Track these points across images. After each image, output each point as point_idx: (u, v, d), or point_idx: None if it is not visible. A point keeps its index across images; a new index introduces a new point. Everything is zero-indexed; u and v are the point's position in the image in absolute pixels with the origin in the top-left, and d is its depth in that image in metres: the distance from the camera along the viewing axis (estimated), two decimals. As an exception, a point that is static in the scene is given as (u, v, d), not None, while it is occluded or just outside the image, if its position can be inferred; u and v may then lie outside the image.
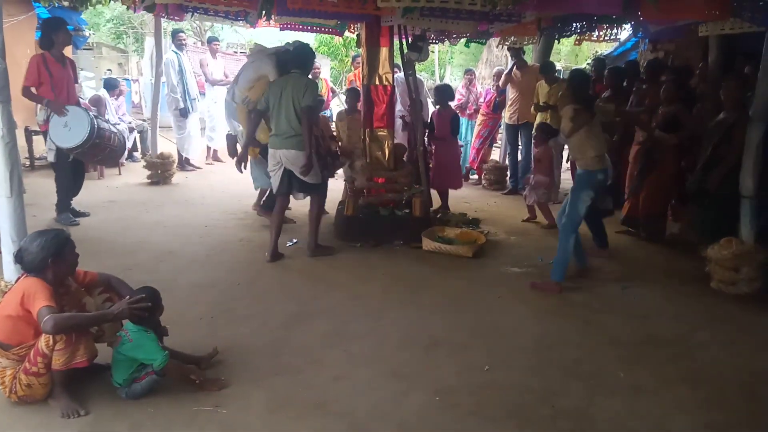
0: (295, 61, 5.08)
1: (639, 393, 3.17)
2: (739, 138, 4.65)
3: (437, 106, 6.97)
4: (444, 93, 6.97)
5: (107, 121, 6.14)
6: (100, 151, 5.83)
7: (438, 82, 20.36)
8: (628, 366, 3.45)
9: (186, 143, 9.14)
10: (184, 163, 9.23)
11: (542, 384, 3.23)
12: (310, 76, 5.27)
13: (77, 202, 6.30)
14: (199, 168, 9.47)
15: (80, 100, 6.58)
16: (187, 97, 8.84)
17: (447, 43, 7.87)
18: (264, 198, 6.26)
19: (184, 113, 8.85)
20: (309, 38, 18.12)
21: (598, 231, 5.48)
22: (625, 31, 7.25)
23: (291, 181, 5.08)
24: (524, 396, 3.11)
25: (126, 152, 9.05)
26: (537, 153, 6.71)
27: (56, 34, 5.73)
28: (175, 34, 9.17)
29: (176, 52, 8.79)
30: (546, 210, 6.55)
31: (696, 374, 3.38)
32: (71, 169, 6.10)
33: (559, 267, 4.62)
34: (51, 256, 2.87)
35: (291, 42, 5.73)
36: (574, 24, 5.84)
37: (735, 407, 3.06)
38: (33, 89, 5.62)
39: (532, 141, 7.12)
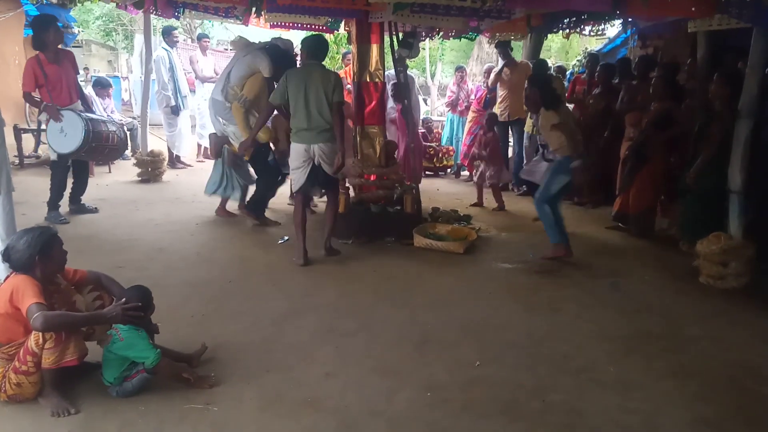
0: (310, 52, 4.93)
1: (629, 387, 3.19)
2: (715, 134, 4.70)
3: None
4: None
5: (105, 120, 6.06)
6: (99, 153, 5.85)
7: (429, 79, 20.36)
8: (618, 360, 3.47)
9: (177, 140, 9.11)
10: (175, 161, 9.19)
11: (533, 379, 3.24)
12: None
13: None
14: (189, 165, 9.44)
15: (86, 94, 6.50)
16: (178, 95, 8.80)
17: (438, 39, 7.87)
18: (247, 200, 6.19)
19: (175, 111, 8.81)
20: (299, 35, 18.09)
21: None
22: (615, 27, 7.28)
23: (316, 177, 4.94)
24: (515, 391, 3.12)
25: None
26: (485, 140, 7.16)
27: (46, 33, 5.62)
28: (167, 31, 9.12)
29: (167, 50, 8.75)
30: (497, 193, 7.01)
31: (685, 368, 3.40)
32: (76, 168, 6.17)
33: (550, 230, 5.13)
34: (38, 254, 2.85)
35: (277, 38, 5.75)
36: (564, 20, 5.86)
37: (724, 401, 3.08)
38: (34, 94, 5.64)
39: (485, 129, 7.39)
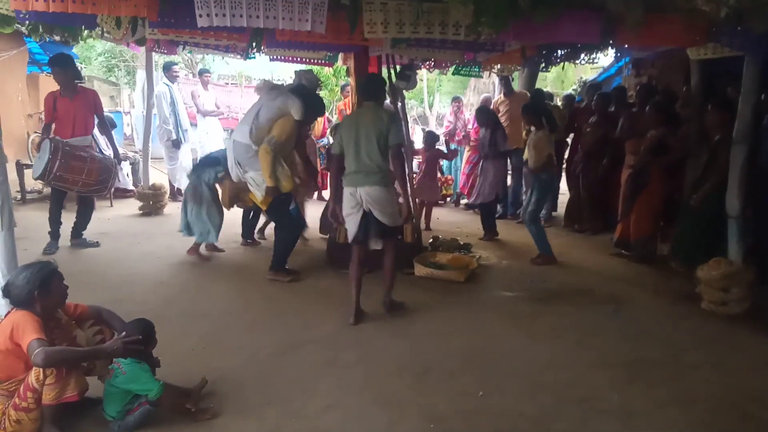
0: (365, 94, 4.69)
1: (632, 415, 3.16)
2: (722, 160, 4.74)
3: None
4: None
5: (89, 157, 6.00)
6: (71, 183, 5.86)
7: (427, 110, 20.55)
8: (621, 388, 3.45)
9: (178, 174, 9.16)
10: (176, 194, 9.24)
11: (536, 408, 3.22)
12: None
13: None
14: None
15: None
16: (179, 129, 8.90)
17: (435, 71, 8.01)
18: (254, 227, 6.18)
19: (176, 144, 8.89)
20: (299, 67, 18.34)
21: (492, 222, 7.14)
22: (609, 57, 7.39)
23: (369, 225, 4.50)
24: (518, 421, 3.10)
25: (120, 181, 9.13)
26: (425, 157, 7.52)
27: (52, 73, 6.12)
28: (167, 66, 9.26)
29: (168, 85, 8.87)
30: (429, 212, 7.42)
31: (688, 395, 3.38)
32: (80, 203, 6.36)
33: (540, 243, 6.04)
34: (37, 289, 2.86)
35: (300, 71, 5.70)
36: (558, 51, 5.96)
37: (728, 427, 3.07)
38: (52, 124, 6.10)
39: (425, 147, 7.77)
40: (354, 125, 4.47)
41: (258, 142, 5.04)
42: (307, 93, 5.20)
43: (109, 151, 6.63)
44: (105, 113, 6.71)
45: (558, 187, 8.54)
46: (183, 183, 9.21)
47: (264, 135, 5.03)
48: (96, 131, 7.68)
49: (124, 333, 2.99)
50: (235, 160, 5.23)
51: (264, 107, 5.12)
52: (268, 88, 5.33)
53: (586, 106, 8.08)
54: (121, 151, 9.81)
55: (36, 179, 6.10)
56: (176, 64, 9.86)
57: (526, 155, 7.38)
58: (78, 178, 5.87)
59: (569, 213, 7.83)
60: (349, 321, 4.43)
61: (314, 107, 5.31)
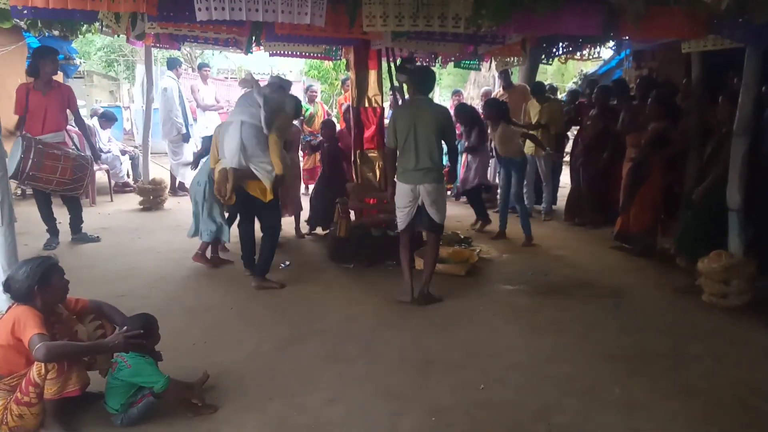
0: (418, 86, 4.67)
1: (634, 407, 3.17)
2: (727, 153, 4.73)
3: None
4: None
5: (65, 155, 5.88)
6: (45, 182, 5.74)
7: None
8: (622, 380, 3.46)
9: (182, 168, 9.19)
10: (178, 189, 9.25)
11: (537, 401, 3.23)
12: (307, 102, 5.03)
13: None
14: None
15: (69, 127, 6.58)
16: (186, 123, 8.95)
17: (437, 64, 7.97)
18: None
19: (186, 138, 8.93)
20: (299, 61, 18.31)
21: (481, 208, 7.40)
22: (609, 50, 7.38)
23: (419, 218, 4.65)
24: (519, 414, 3.11)
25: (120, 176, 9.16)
26: (323, 150, 7.13)
27: (41, 62, 5.87)
28: (174, 64, 9.26)
29: (174, 79, 8.91)
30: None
31: (690, 387, 3.39)
32: (65, 201, 6.23)
33: (524, 222, 6.61)
34: (37, 284, 2.85)
35: (274, 75, 5.67)
36: (559, 44, 5.94)
37: (729, 419, 3.07)
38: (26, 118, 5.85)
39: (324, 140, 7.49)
40: (411, 120, 4.48)
41: (268, 127, 4.77)
42: (286, 95, 5.15)
43: (107, 146, 6.63)
44: (105, 108, 6.69)
45: (558, 180, 8.55)
46: (187, 178, 9.23)
47: (270, 123, 4.80)
48: (96, 124, 7.68)
49: (125, 327, 3.00)
50: (241, 143, 4.73)
51: (267, 97, 4.84)
52: (256, 83, 5.07)
53: (590, 101, 8.08)
54: (120, 146, 9.89)
55: (9, 179, 5.90)
56: (181, 63, 9.89)
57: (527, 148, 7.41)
58: (52, 177, 5.74)
59: (570, 206, 7.84)
60: (405, 299, 4.64)
61: (297, 108, 5.25)
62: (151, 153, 8.83)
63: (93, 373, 3.05)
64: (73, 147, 6.37)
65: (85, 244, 6.25)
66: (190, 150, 9.15)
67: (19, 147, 5.57)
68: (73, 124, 7.05)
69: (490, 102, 7.18)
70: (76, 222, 6.33)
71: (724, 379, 3.48)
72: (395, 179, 4.76)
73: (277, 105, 4.90)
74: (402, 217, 4.67)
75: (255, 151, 4.77)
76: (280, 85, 5.19)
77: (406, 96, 5.41)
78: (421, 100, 4.62)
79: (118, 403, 2.93)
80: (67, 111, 6.20)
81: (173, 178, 9.22)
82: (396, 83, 6.33)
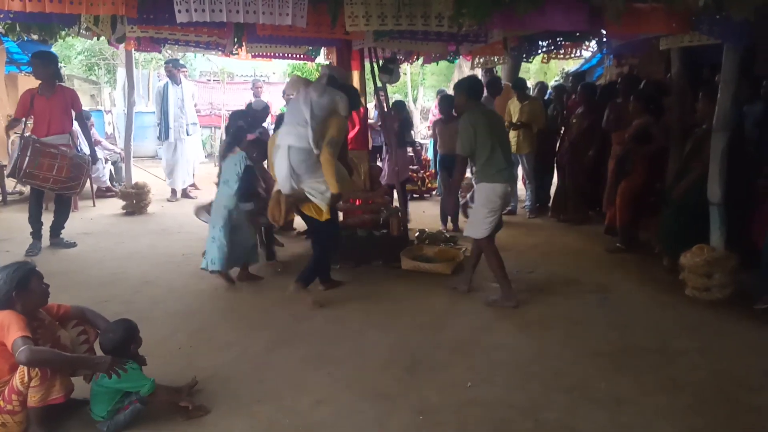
0: (472, 94, 4.75)
1: (621, 403, 3.19)
2: (707, 149, 4.78)
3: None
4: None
5: (60, 154, 5.90)
6: (42, 180, 5.83)
7: (411, 103, 20.55)
8: (609, 376, 3.48)
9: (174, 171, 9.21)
10: (188, 193, 9.33)
11: (525, 398, 3.24)
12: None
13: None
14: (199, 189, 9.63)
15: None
16: (163, 123, 8.99)
17: (418, 64, 7.99)
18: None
19: (161, 137, 9.08)
20: (283, 63, 18.22)
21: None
22: (590, 51, 7.43)
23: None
24: (507, 411, 3.12)
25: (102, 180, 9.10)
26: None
27: (33, 67, 6.11)
28: (175, 64, 9.29)
29: (171, 79, 9.00)
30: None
31: (676, 381, 3.42)
32: (57, 203, 6.30)
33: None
34: (15, 289, 2.81)
35: (326, 66, 5.47)
36: (540, 43, 5.98)
37: (715, 412, 3.10)
38: (24, 120, 6.06)
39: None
40: (488, 124, 4.58)
41: (318, 146, 4.42)
42: (341, 87, 4.74)
43: (88, 148, 6.62)
44: (82, 109, 6.67)
45: (551, 178, 8.54)
46: (177, 183, 9.18)
47: (320, 137, 4.43)
48: (77, 127, 7.63)
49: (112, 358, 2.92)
50: (291, 169, 4.44)
51: (315, 105, 4.42)
52: (304, 85, 4.66)
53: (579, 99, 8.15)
54: (108, 145, 9.88)
55: (8, 177, 6.12)
56: (184, 66, 9.94)
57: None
58: (48, 175, 5.84)
59: (555, 203, 7.89)
60: (511, 304, 4.60)
61: (353, 101, 4.84)
62: (134, 157, 8.75)
63: (77, 379, 3.02)
64: (77, 148, 6.51)
65: (63, 249, 6.18)
66: (173, 152, 9.11)
67: (18, 146, 5.73)
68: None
69: (446, 97, 7.26)
70: (59, 225, 6.29)
71: (710, 373, 3.52)
72: (483, 182, 4.64)
73: (327, 111, 4.46)
74: (493, 220, 4.64)
75: (306, 174, 4.48)
76: (328, 81, 4.65)
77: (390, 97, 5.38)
78: (480, 104, 4.87)
79: (104, 410, 2.90)
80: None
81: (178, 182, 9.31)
82: (379, 84, 6.35)
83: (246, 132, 5.57)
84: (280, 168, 4.50)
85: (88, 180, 8.57)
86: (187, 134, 9.19)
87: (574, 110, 7.69)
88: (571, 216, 7.50)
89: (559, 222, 7.57)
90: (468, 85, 4.82)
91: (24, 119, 6.07)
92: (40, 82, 6.06)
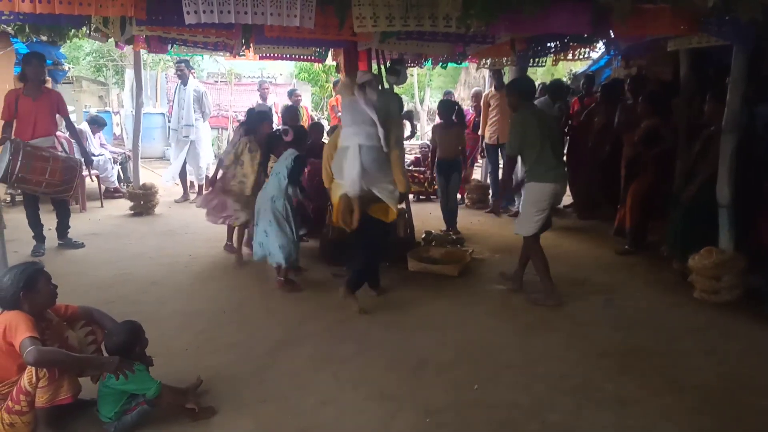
0: (524, 95, 4.83)
1: (626, 404, 3.18)
2: (715, 151, 4.76)
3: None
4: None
5: (54, 157, 5.80)
6: (35, 185, 5.68)
7: (418, 105, 20.56)
8: (615, 378, 3.47)
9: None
10: (202, 190, 9.35)
11: (530, 400, 3.24)
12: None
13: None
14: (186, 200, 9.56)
15: (59, 133, 6.55)
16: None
17: (427, 65, 7.99)
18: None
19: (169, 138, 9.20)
20: (289, 64, 18.28)
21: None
22: (598, 51, 7.42)
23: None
24: (513, 412, 3.11)
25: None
26: None
27: (27, 67, 5.87)
28: (188, 66, 9.35)
29: (180, 80, 9.10)
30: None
31: (681, 383, 3.41)
32: (55, 205, 6.23)
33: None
34: (22, 289, 2.83)
35: (362, 71, 5.36)
36: (548, 44, 5.96)
37: (721, 414, 3.09)
38: (13, 123, 5.79)
39: None
40: (537, 124, 4.63)
41: (388, 144, 4.42)
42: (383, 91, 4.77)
43: (98, 150, 6.61)
44: (95, 113, 6.66)
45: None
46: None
47: (389, 136, 4.42)
48: (87, 128, 7.67)
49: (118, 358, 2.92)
50: (362, 169, 4.33)
51: (377, 107, 4.41)
52: (358, 88, 4.50)
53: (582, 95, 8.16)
54: (111, 148, 9.90)
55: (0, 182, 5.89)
56: (192, 67, 9.99)
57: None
58: (41, 179, 5.68)
59: (581, 203, 7.94)
60: (557, 303, 4.64)
61: (401, 104, 4.86)
62: (142, 158, 8.79)
63: (85, 379, 3.03)
64: (63, 151, 6.30)
65: (71, 249, 6.20)
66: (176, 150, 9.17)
67: (8, 150, 5.53)
68: (63, 130, 7.01)
69: (445, 103, 7.38)
70: (63, 227, 6.29)
71: (716, 375, 3.51)
72: (532, 181, 4.70)
73: (384, 112, 4.44)
74: (541, 219, 4.70)
75: (377, 174, 4.43)
76: (375, 85, 4.61)
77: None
78: (531, 104, 4.91)
79: (111, 411, 2.91)
80: (57, 117, 6.17)
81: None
82: (387, 85, 6.34)
83: (278, 139, 5.39)
84: (351, 168, 4.37)
85: (97, 181, 8.69)
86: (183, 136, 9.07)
87: (593, 109, 7.68)
88: (602, 213, 7.49)
89: (583, 220, 7.64)
90: (520, 86, 4.90)
91: (12, 121, 5.83)
92: (23, 84, 5.88)
